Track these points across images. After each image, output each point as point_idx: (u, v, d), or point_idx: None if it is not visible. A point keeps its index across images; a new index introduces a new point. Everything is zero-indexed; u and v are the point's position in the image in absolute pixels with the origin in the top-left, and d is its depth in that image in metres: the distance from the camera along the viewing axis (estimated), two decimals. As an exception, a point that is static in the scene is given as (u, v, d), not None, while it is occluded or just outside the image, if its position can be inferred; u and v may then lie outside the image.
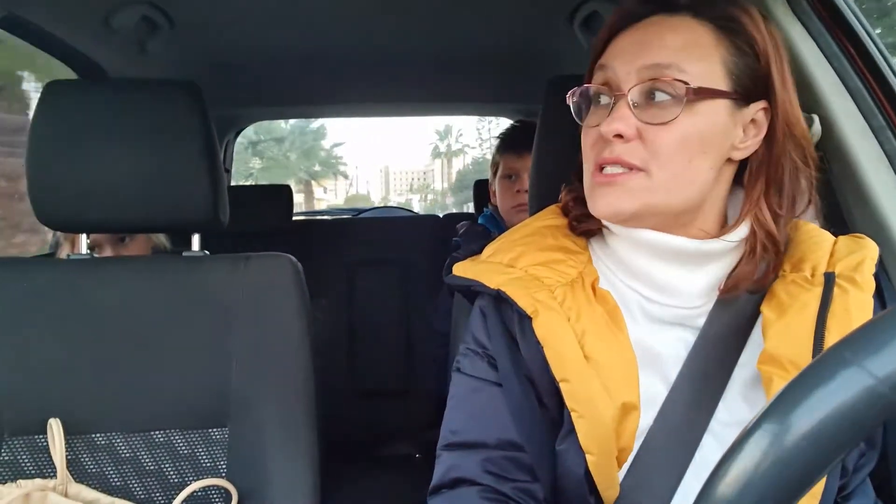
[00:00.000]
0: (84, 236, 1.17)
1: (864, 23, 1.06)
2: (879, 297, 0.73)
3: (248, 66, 1.96)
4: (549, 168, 1.01)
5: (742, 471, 0.36)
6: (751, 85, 0.71)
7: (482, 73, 2.12)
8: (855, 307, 0.69)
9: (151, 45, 1.59)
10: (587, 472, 0.69)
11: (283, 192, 2.46)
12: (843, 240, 0.77)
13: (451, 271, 0.84)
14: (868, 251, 0.74)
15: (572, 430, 0.70)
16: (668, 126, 0.68)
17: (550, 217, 0.85)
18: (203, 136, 1.09)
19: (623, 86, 0.70)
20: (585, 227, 0.81)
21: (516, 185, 1.79)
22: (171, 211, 1.09)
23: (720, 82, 0.70)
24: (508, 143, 1.85)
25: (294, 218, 2.54)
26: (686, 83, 0.68)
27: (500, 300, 0.76)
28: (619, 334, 0.73)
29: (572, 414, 0.70)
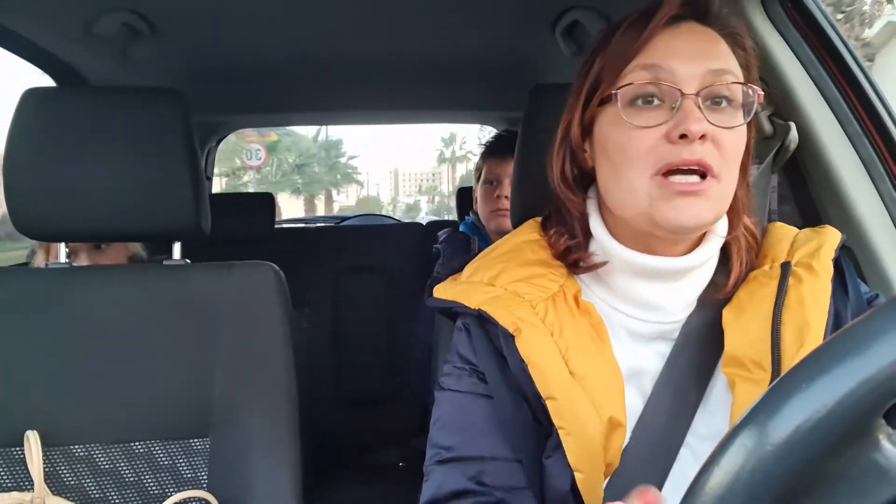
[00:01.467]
0: (62, 245, 1.15)
1: (840, 33, 1.08)
2: (840, 280, 0.74)
3: (231, 73, 1.95)
4: (531, 175, 1.02)
5: (718, 483, 0.37)
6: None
7: (465, 82, 2.12)
8: (809, 295, 0.70)
9: (132, 51, 1.58)
10: (573, 489, 0.69)
11: (266, 200, 2.45)
12: (804, 231, 0.78)
13: (428, 294, 0.83)
14: (827, 237, 0.75)
15: (559, 446, 0.69)
16: (734, 131, 0.69)
17: (529, 232, 0.84)
18: (184, 144, 1.08)
19: (685, 87, 0.68)
20: (574, 258, 0.78)
21: (496, 191, 1.82)
22: (152, 219, 1.09)
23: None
24: (491, 150, 1.89)
25: (277, 226, 2.53)
26: (754, 88, 0.70)
27: (484, 319, 0.75)
28: (603, 347, 0.72)
29: (559, 431, 0.69)
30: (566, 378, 0.70)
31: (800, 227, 0.81)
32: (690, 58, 0.69)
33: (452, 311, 0.80)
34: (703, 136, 0.66)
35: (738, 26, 0.74)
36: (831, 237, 0.76)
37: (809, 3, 1.08)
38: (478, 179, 1.93)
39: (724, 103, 0.69)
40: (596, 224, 0.77)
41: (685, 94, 0.68)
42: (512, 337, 0.72)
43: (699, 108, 0.67)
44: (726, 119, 0.69)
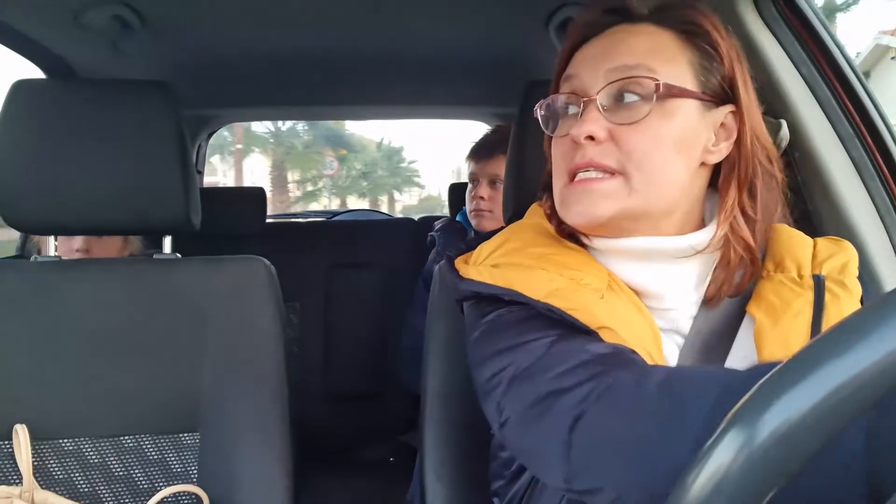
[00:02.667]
0: (51, 238, 1.15)
1: (834, 34, 1.08)
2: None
3: (222, 67, 1.94)
4: (525, 171, 1.02)
5: (711, 474, 0.37)
6: (718, 88, 0.72)
7: (459, 78, 2.12)
8: (848, 313, 0.69)
9: (122, 44, 1.57)
10: None
11: (257, 194, 2.44)
12: (823, 241, 0.78)
13: (442, 268, 0.82)
14: (850, 252, 0.76)
15: None
16: (639, 126, 0.68)
17: (541, 214, 0.83)
18: (175, 138, 1.07)
19: (590, 91, 0.71)
20: (570, 229, 0.77)
21: (475, 190, 1.80)
22: (142, 212, 1.08)
23: (688, 83, 0.70)
24: (472, 150, 1.87)
25: (268, 220, 2.52)
26: (655, 80, 0.68)
27: (550, 312, 0.68)
28: (658, 334, 0.71)
29: None
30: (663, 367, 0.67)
31: (790, 225, 0.81)
32: (597, 60, 0.72)
33: (481, 297, 0.75)
34: (589, 138, 0.69)
35: (690, 14, 0.73)
36: (853, 253, 0.76)
37: (801, 1, 1.08)
38: (471, 181, 1.93)
39: (634, 98, 0.69)
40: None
41: (587, 99, 0.70)
42: (595, 333, 0.67)
43: (599, 109, 0.69)
44: (630, 115, 0.69)
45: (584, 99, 0.71)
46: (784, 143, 1.07)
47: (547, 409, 0.62)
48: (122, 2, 1.42)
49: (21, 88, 1.06)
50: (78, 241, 1.43)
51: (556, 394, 0.61)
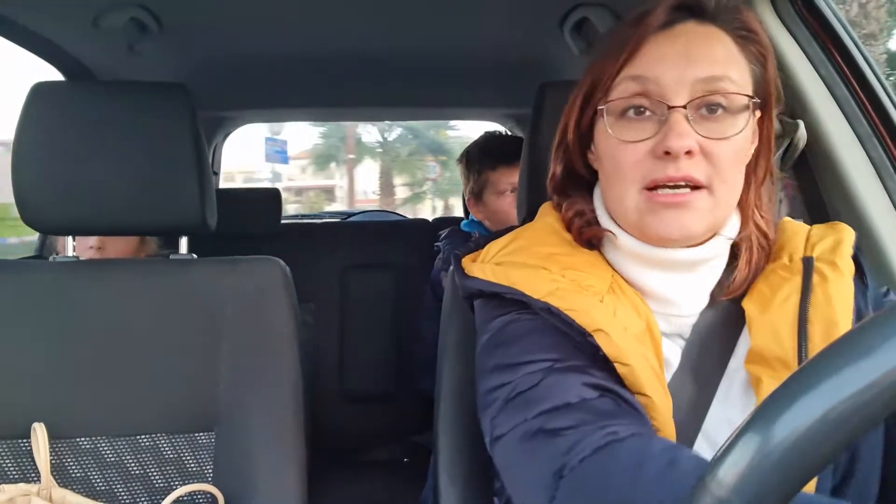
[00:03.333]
0: (69, 239, 1.16)
1: (851, 31, 1.07)
2: (860, 278, 0.73)
3: (238, 68, 1.95)
4: (539, 173, 1.01)
5: (729, 474, 0.37)
6: (762, 93, 0.71)
7: (473, 79, 2.12)
8: (836, 293, 0.69)
9: (140, 46, 1.58)
10: None
11: (272, 195, 2.45)
12: (818, 226, 0.77)
13: (456, 270, 0.79)
14: (843, 233, 0.74)
15: None
16: (728, 140, 0.67)
17: (555, 213, 0.82)
18: (191, 139, 1.08)
19: (674, 98, 0.66)
20: (589, 234, 0.76)
21: (508, 199, 1.76)
22: (158, 213, 1.09)
23: (750, 91, 0.69)
24: (501, 157, 1.78)
25: (283, 221, 2.53)
26: (751, 97, 0.68)
27: (549, 311, 0.69)
28: (658, 339, 0.71)
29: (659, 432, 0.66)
30: (657, 376, 0.67)
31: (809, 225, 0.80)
32: (679, 64, 0.67)
33: (486, 295, 0.76)
34: (688, 152, 0.65)
35: (747, 18, 0.71)
36: (847, 233, 0.75)
37: (821, 3, 1.07)
38: (479, 190, 1.84)
39: (720, 111, 0.67)
40: (604, 217, 0.76)
41: (672, 107, 0.66)
42: (591, 336, 0.67)
43: (687, 119, 0.66)
44: (720, 128, 0.67)
45: (670, 107, 0.66)
46: (802, 144, 1.06)
47: (536, 449, 0.63)
48: (140, 4, 1.44)
49: (40, 91, 1.08)
50: (93, 238, 1.45)
51: (546, 434, 0.62)
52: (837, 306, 0.68)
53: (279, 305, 1.11)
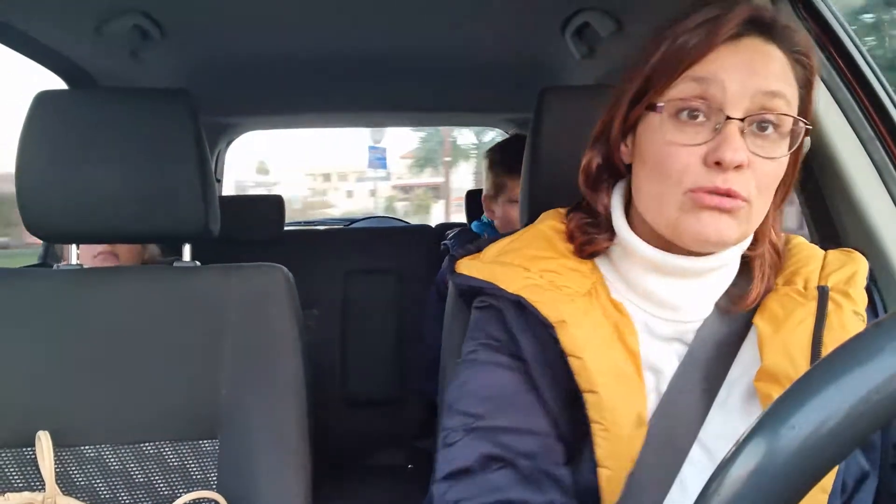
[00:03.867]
0: (74, 247, 1.16)
1: (853, 35, 1.07)
2: (872, 310, 0.74)
3: (241, 75, 1.96)
4: (541, 178, 1.01)
5: (733, 483, 0.37)
6: (804, 117, 0.71)
7: (474, 83, 2.12)
8: (850, 322, 0.70)
9: (142, 53, 1.59)
10: (598, 487, 0.68)
11: (275, 202, 2.45)
12: (834, 253, 0.78)
13: (451, 269, 0.82)
14: (859, 264, 0.75)
15: (587, 442, 0.69)
16: (774, 160, 0.68)
17: (555, 221, 0.83)
18: (194, 145, 1.08)
19: (732, 109, 0.66)
20: (591, 249, 0.78)
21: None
22: (162, 220, 1.09)
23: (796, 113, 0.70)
24: (517, 166, 1.78)
25: (286, 227, 2.54)
26: (803, 121, 0.69)
27: (520, 304, 0.74)
28: (633, 345, 0.72)
29: (595, 426, 0.68)
30: (609, 374, 0.69)
31: (810, 232, 0.81)
32: (743, 74, 0.67)
33: (473, 291, 0.79)
34: (738, 166, 0.65)
35: (802, 41, 0.72)
36: (862, 264, 0.76)
37: (821, 5, 1.07)
38: (495, 192, 1.83)
39: (770, 129, 0.68)
40: (619, 219, 0.77)
41: (730, 118, 0.66)
42: (553, 328, 0.71)
43: (742, 133, 0.66)
44: (769, 147, 0.67)
45: (728, 117, 0.66)
46: (805, 150, 1.06)
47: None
48: (142, 12, 1.44)
49: (43, 99, 1.08)
50: (100, 246, 1.45)
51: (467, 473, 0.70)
52: (851, 334, 0.68)
53: (282, 312, 1.11)
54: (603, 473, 0.68)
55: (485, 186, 1.91)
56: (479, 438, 0.71)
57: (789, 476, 0.36)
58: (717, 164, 0.65)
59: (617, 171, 0.79)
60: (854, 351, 0.37)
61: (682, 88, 0.69)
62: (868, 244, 1.01)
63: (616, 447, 0.68)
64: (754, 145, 0.66)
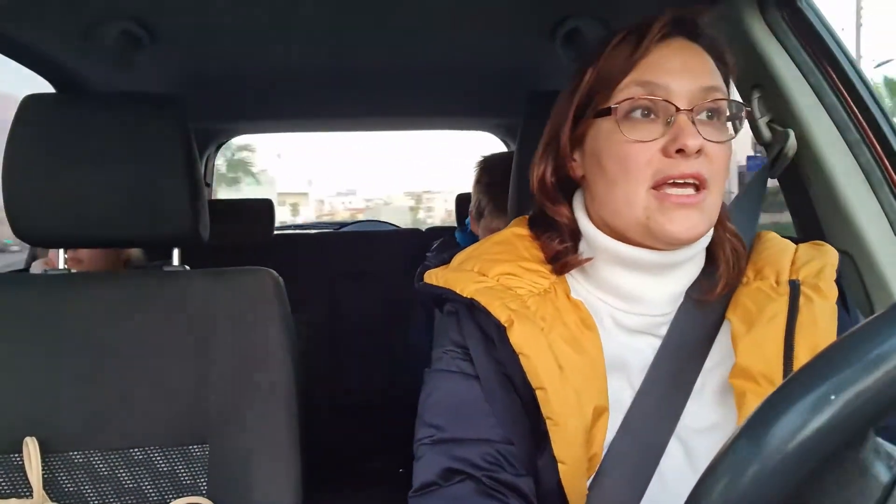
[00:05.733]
0: (61, 251, 1.15)
1: (839, 39, 1.08)
2: (843, 302, 0.75)
3: (230, 80, 1.96)
4: (528, 181, 1.02)
5: (723, 488, 0.37)
6: None
7: (465, 88, 2.13)
8: (822, 317, 0.71)
9: (131, 58, 1.58)
10: (559, 482, 0.70)
11: (265, 207, 2.45)
12: (804, 247, 0.80)
13: (422, 279, 0.84)
14: (828, 257, 0.77)
15: (547, 439, 0.70)
16: (723, 144, 0.72)
17: (519, 228, 0.85)
18: (183, 150, 1.08)
19: (678, 101, 0.71)
20: (569, 268, 0.79)
21: None
22: (151, 225, 1.09)
23: None
24: (498, 202, 1.70)
25: (276, 232, 2.53)
26: (747, 107, 0.75)
27: (474, 307, 0.76)
28: (591, 339, 0.73)
29: (548, 421, 0.70)
30: (555, 370, 0.71)
31: (795, 233, 0.82)
32: (683, 75, 0.72)
33: (441, 298, 0.81)
34: (698, 151, 0.70)
35: (720, 42, 0.77)
36: (832, 257, 0.78)
37: (808, 10, 1.08)
38: (479, 206, 1.79)
39: (715, 118, 0.73)
40: (584, 222, 0.79)
41: (680, 110, 0.71)
42: (504, 328, 0.72)
43: (693, 122, 0.70)
44: (717, 133, 0.72)
45: (678, 109, 0.71)
46: (791, 153, 1.07)
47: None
48: (132, 17, 1.44)
49: (31, 103, 1.07)
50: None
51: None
52: (822, 328, 0.71)
53: (272, 316, 1.11)
54: (561, 468, 0.69)
55: (472, 199, 1.89)
56: (440, 453, 0.73)
57: (772, 488, 0.36)
58: (679, 151, 0.70)
59: (570, 184, 0.82)
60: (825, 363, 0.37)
61: (629, 91, 0.73)
62: (854, 246, 1.02)
63: (570, 442, 0.69)
64: (706, 133, 0.71)
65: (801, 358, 0.69)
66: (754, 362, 0.70)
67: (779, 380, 0.68)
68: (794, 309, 0.72)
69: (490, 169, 1.86)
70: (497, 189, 1.76)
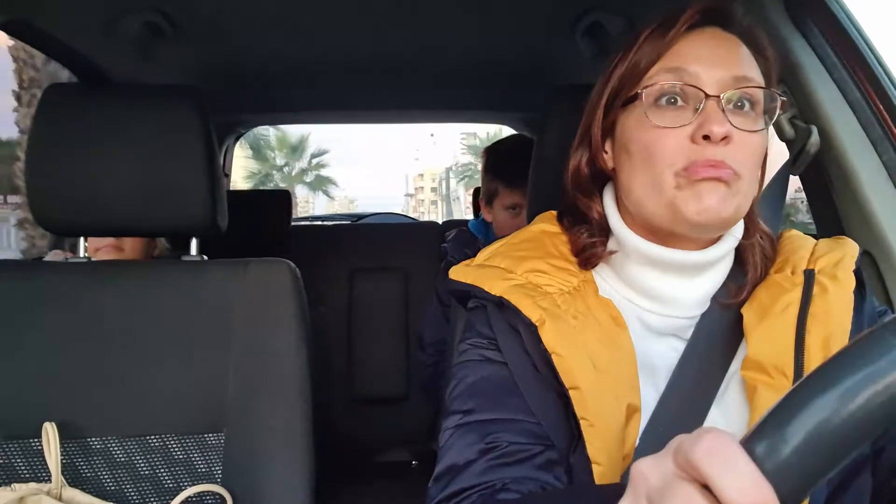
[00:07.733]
0: (81, 240, 1.17)
1: (865, 35, 1.07)
2: (861, 292, 0.74)
3: (250, 71, 1.97)
4: (549, 178, 1.01)
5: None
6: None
7: (483, 82, 2.12)
8: (836, 306, 0.70)
9: (154, 49, 1.59)
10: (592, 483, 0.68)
11: (283, 198, 2.46)
12: (824, 241, 0.78)
13: (446, 276, 0.83)
14: (848, 249, 0.76)
15: (581, 440, 0.69)
16: (755, 134, 0.70)
17: (548, 224, 0.85)
18: (203, 141, 1.09)
19: (708, 88, 0.70)
20: (595, 262, 0.79)
21: (518, 220, 1.75)
22: (170, 215, 1.09)
23: None
24: (509, 178, 1.76)
25: (293, 223, 2.54)
26: (778, 93, 0.72)
27: (504, 306, 0.75)
28: (622, 338, 0.72)
29: (582, 423, 0.68)
30: (589, 368, 0.69)
31: (816, 231, 0.81)
32: (713, 63, 0.71)
33: (466, 294, 0.80)
34: (725, 138, 0.67)
35: (760, 34, 0.75)
36: (852, 248, 0.76)
37: (833, 5, 1.07)
38: (489, 195, 1.82)
39: (747, 107, 0.71)
40: (615, 218, 0.78)
41: (709, 96, 0.69)
42: (535, 327, 0.71)
43: (722, 110, 0.69)
44: (748, 122, 0.70)
45: (707, 95, 0.69)
46: (814, 150, 1.05)
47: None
48: (155, 8, 1.45)
49: (54, 93, 1.08)
50: (108, 239, 1.46)
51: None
52: (836, 318, 0.69)
53: (289, 307, 1.11)
54: (596, 470, 0.68)
55: (482, 188, 1.90)
56: (472, 432, 0.72)
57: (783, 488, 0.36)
58: (705, 138, 0.68)
59: (603, 177, 0.81)
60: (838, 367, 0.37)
61: (657, 79, 0.72)
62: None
63: (606, 442, 0.68)
64: (736, 121, 0.69)
65: (813, 349, 0.68)
66: (766, 354, 0.69)
67: (790, 372, 0.67)
68: (807, 299, 0.71)
69: (495, 151, 1.89)
70: (505, 164, 1.79)
